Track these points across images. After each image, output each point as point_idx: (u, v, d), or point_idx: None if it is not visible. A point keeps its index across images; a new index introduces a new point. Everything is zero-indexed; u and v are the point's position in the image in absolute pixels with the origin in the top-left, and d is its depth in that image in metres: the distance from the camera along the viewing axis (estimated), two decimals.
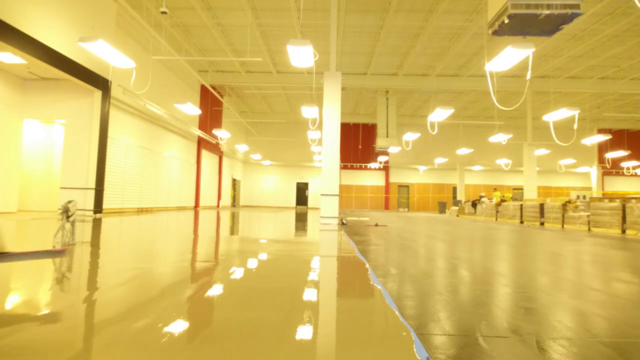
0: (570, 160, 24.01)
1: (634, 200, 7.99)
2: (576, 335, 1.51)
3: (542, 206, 11.39)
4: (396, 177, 27.65)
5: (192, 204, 17.24)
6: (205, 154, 18.53)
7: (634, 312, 1.88)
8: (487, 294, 2.16)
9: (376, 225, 8.78)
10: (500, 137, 16.08)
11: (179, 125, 15.25)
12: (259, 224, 7.87)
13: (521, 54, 6.46)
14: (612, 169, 26.29)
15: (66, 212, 3.52)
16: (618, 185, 26.84)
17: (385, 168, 27.33)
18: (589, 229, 9.14)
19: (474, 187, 27.66)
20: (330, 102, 9.40)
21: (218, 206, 20.53)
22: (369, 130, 26.70)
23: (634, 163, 25.85)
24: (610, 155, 21.92)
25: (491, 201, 15.39)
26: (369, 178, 27.46)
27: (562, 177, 27.88)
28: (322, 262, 3.16)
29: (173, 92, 14.58)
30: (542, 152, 20.20)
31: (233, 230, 6.05)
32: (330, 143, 9.31)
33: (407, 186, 27.74)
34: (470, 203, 17.79)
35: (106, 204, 10.20)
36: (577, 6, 4.62)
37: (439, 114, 12.11)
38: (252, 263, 2.99)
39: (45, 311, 1.62)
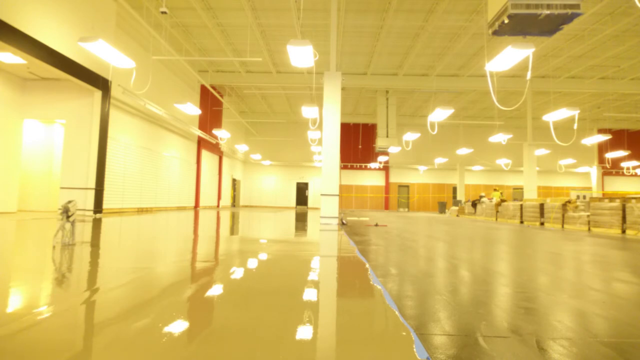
0: (570, 160, 24.00)
1: (634, 200, 7.99)
2: (576, 335, 1.51)
3: (542, 206, 11.39)
4: (396, 177, 27.64)
5: (192, 204, 17.24)
6: (205, 154, 18.53)
7: (634, 312, 1.88)
8: (487, 294, 2.16)
9: (376, 225, 8.77)
10: (500, 137, 16.08)
11: (179, 125, 15.25)
12: (259, 224, 7.86)
13: (521, 54, 6.47)
14: (612, 169, 26.29)
15: (66, 212, 3.52)
16: (618, 185, 26.83)
17: (385, 168, 27.32)
18: (589, 229, 9.14)
19: (474, 187, 27.65)
20: (330, 102, 9.39)
21: (218, 206, 20.52)
22: (369, 130, 26.69)
23: (634, 163, 25.84)
24: (610, 155, 21.91)
25: (491, 201, 15.39)
26: (369, 178, 27.45)
27: (562, 177, 27.88)
28: (322, 262, 3.16)
29: (173, 92, 14.58)
30: (542, 152, 20.20)
31: (233, 231, 6.05)
32: (330, 143, 9.31)
33: (407, 186, 27.73)
34: (470, 203, 17.78)
35: (106, 204, 10.20)
36: (577, 6, 4.62)
37: (439, 114, 12.11)
38: (252, 263, 2.99)
39: (45, 311, 1.62)
